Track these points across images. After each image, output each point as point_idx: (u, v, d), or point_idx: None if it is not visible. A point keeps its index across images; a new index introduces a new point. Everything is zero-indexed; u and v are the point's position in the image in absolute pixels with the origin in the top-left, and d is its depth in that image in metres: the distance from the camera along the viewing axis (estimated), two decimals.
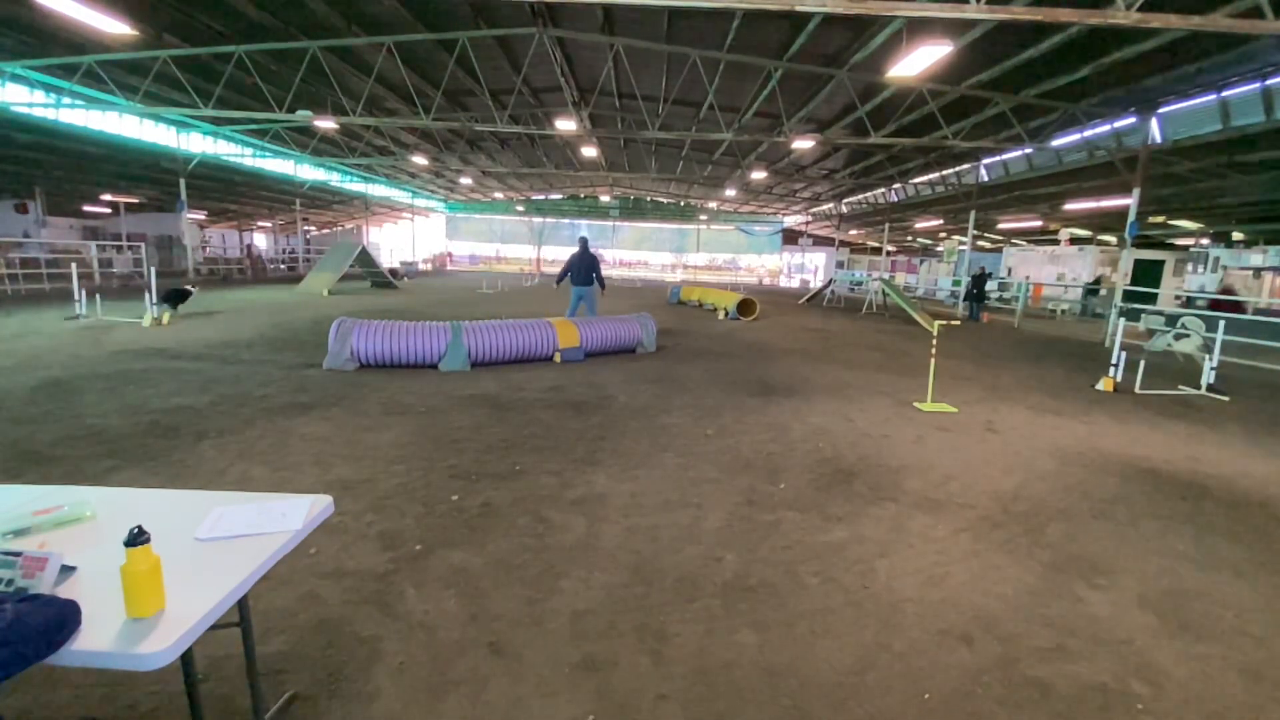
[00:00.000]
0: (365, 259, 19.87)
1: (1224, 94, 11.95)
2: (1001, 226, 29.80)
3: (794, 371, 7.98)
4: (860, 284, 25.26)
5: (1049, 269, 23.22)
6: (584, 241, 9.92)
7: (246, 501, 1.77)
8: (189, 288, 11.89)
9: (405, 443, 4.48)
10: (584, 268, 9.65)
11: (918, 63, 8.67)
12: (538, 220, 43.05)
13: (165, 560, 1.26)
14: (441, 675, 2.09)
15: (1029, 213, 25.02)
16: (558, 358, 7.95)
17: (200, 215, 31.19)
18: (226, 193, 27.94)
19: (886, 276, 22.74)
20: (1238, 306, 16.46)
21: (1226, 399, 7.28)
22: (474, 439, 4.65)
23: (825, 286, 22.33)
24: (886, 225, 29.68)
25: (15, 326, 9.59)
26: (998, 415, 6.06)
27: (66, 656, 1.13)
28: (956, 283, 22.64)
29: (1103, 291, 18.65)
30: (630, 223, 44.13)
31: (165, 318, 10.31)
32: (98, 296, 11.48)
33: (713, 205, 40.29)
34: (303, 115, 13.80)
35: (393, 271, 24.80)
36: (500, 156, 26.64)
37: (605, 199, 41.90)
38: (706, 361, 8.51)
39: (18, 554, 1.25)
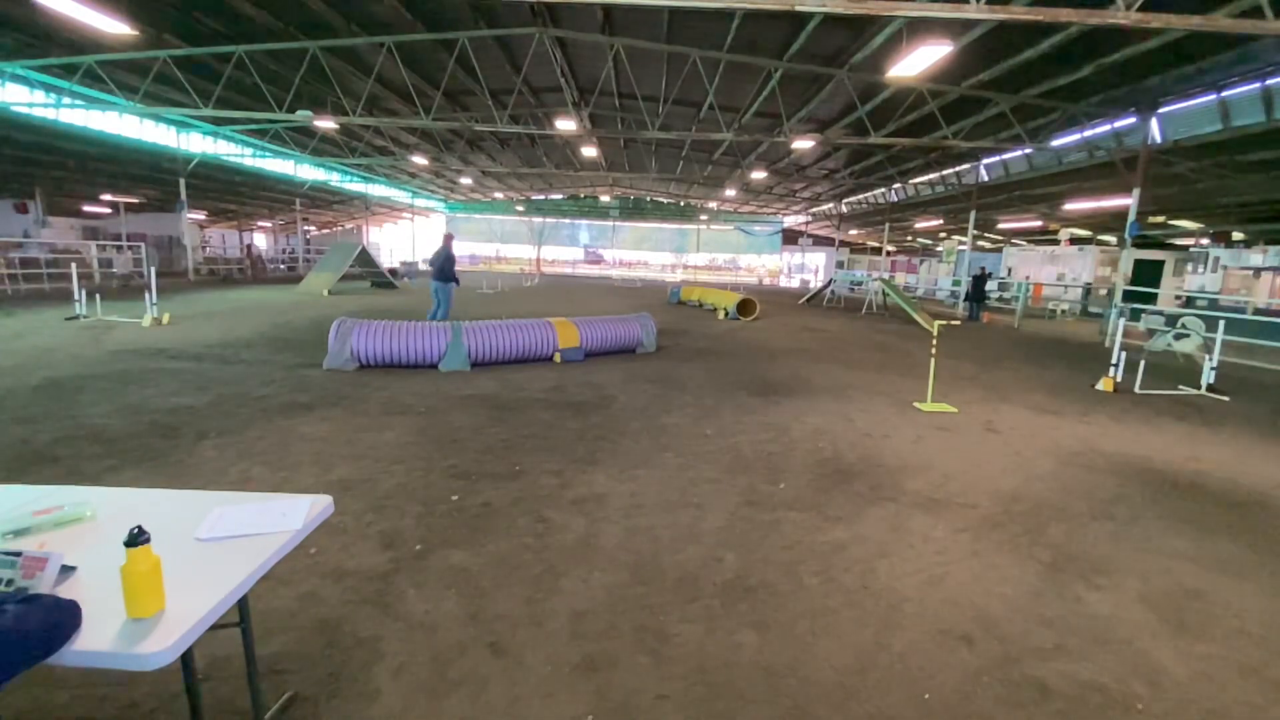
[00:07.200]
0: (365, 259, 19.88)
1: (1224, 94, 11.94)
2: (1001, 226, 29.80)
3: (794, 371, 7.98)
4: (860, 284, 25.24)
5: (1049, 269, 23.21)
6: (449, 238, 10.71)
7: (246, 501, 1.77)
8: None
9: (405, 443, 4.48)
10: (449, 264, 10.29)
11: (918, 63, 8.67)
12: (538, 220, 43.06)
13: (165, 560, 1.26)
14: (441, 675, 2.09)
15: (1029, 213, 25.01)
16: (558, 358, 7.95)
17: (200, 215, 31.20)
18: (226, 193, 27.94)
19: (886, 276, 22.72)
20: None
21: (1226, 399, 7.28)
22: (474, 439, 4.65)
23: (825, 286, 22.31)
24: (886, 225, 29.66)
25: (15, 326, 9.59)
26: (998, 415, 6.06)
27: (67, 656, 1.13)
28: (956, 283, 22.62)
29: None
30: (630, 223, 44.14)
31: (165, 318, 10.31)
32: (98, 296, 11.48)
33: (713, 205, 40.29)
34: (303, 115, 13.79)
35: (392, 271, 24.80)
36: (500, 156, 26.64)
37: (605, 199, 41.89)
38: (706, 361, 8.50)
39: (18, 554, 1.25)
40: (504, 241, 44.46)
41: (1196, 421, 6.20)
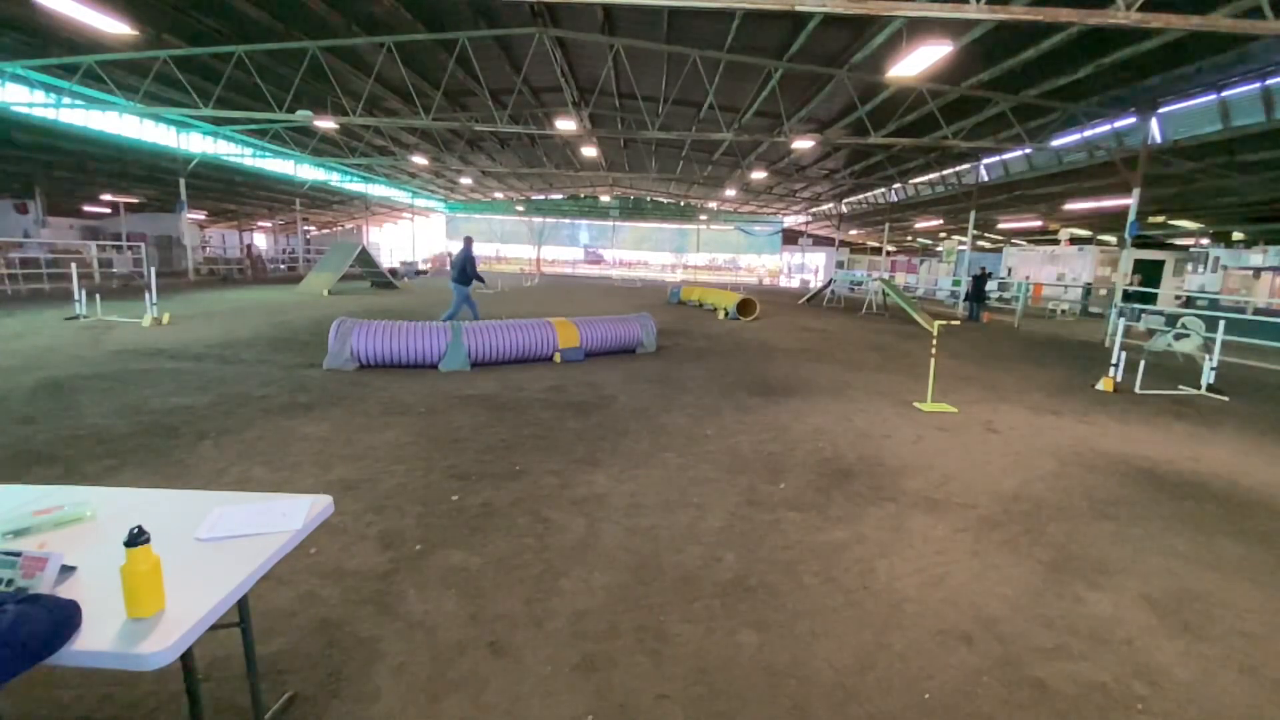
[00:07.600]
0: (365, 259, 19.88)
1: (1224, 94, 11.94)
2: (1001, 226, 29.80)
3: (794, 371, 7.98)
4: (860, 284, 25.23)
5: (1049, 269, 23.20)
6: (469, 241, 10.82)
7: (246, 501, 1.77)
8: None
9: (405, 443, 4.48)
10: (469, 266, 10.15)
11: (918, 63, 8.67)
12: (538, 220, 43.06)
13: (165, 560, 1.26)
14: (441, 675, 2.09)
15: (1029, 213, 25.01)
16: (558, 358, 7.95)
17: (200, 215, 31.20)
18: (226, 193, 27.94)
19: (886, 276, 22.72)
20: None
21: (1226, 399, 7.28)
22: (474, 439, 4.65)
23: (825, 286, 22.31)
24: (886, 225, 29.67)
25: (15, 326, 9.58)
26: (998, 415, 6.05)
27: (67, 657, 1.13)
28: (956, 283, 22.61)
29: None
30: (630, 223, 44.12)
31: (165, 318, 10.31)
32: (98, 296, 11.48)
33: (713, 205, 40.28)
34: (303, 115, 13.79)
35: (392, 271, 24.80)
36: (500, 156, 26.64)
37: (605, 199, 41.88)
38: (706, 361, 8.50)
39: (18, 554, 1.25)
40: (504, 241, 44.44)
41: (1197, 421, 6.20)
